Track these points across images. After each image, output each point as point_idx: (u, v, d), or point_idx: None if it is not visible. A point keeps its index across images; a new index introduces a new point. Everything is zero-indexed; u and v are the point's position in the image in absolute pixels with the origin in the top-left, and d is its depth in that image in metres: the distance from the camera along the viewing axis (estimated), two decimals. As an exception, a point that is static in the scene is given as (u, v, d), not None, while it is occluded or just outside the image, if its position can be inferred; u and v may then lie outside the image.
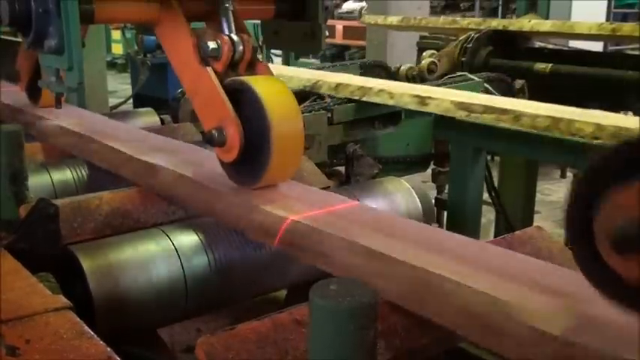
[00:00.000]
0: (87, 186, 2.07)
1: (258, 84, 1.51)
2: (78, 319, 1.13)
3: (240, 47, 1.59)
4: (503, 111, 2.68)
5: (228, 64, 1.59)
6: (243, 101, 1.52)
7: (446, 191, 3.81)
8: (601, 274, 1.15)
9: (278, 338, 1.15)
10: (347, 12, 13.79)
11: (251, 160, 1.53)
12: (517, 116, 2.64)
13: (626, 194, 1.15)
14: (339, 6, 14.01)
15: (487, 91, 3.58)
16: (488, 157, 4.05)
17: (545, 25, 4.51)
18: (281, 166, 1.54)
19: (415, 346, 1.23)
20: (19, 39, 1.72)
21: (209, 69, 1.58)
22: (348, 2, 14.15)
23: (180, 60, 1.67)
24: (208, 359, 1.10)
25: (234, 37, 1.59)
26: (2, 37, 3.41)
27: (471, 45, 4.47)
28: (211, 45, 1.57)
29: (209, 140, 1.55)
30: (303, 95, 3.54)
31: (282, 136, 1.48)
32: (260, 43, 3.74)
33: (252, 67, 1.65)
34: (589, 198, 1.15)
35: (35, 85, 1.99)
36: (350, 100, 3.02)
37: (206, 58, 1.58)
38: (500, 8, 13.41)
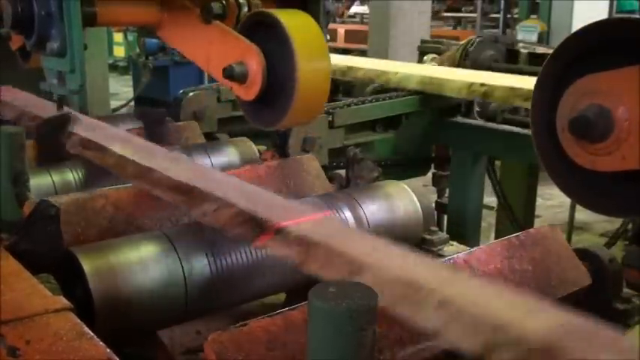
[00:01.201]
0: (86, 186, 2.07)
1: (283, 16, 1.40)
2: (78, 320, 1.14)
3: (246, 8, 1.55)
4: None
5: (235, 24, 1.54)
6: (266, 35, 1.42)
7: (446, 195, 3.82)
8: (556, 159, 1.26)
9: (288, 340, 1.15)
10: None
11: (274, 98, 1.44)
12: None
13: (591, 80, 1.25)
14: (343, 14, 14.01)
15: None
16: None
17: (412, 81, 3.97)
18: (307, 104, 1.44)
19: (415, 347, 1.24)
20: None
21: (216, 21, 1.53)
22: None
23: (187, 38, 1.62)
24: (217, 358, 1.09)
25: None
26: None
27: (472, 49, 4.47)
28: (216, 5, 1.53)
29: (229, 75, 1.44)
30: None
31: (308, 73, 1.38)
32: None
33: None
34: (556, 81, 1.25)
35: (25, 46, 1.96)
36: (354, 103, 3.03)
37: (211, 18, 1.53)
38: (501, 13, 13.40)
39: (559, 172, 1.42)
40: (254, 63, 1.40)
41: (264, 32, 1.42)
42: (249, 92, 1.44)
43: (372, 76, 3.22)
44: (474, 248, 1.70)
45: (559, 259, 1.69)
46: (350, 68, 3.42)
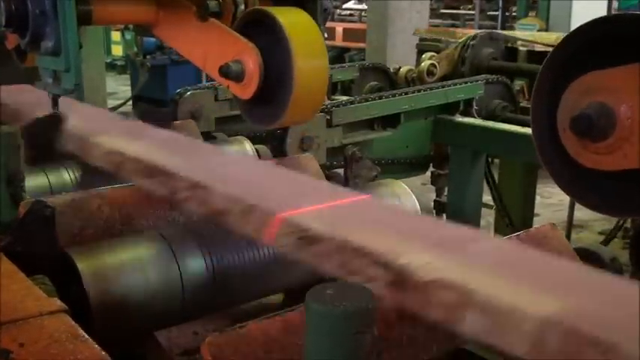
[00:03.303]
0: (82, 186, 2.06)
1: (280, 14, 1.39)
2: (73, 322, 1.12)
3: (242, 6, 1.54)
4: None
5: (231, 22, 1.52)
6: (263, 33, 1.41)
7: (445, 194, 3.81)
8: (554, 154, 1.25)
9: (286, 342, 1.14)
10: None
11: (271, 96, 1.41)
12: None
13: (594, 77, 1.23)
14: (338, 7, 14.00)
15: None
16: (489, 160, 4.05)
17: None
18: (304, 103, 1.42)
19: (417, 347, 1.23)
20: None
21: (212, 19, 1.52)
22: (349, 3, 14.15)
23: (183, 37, 1.60)
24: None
25: None
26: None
27: (470, 47, 4.46)
28: (213, 3, 1.51)
29: (225, 73, 1.42)
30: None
31: (306, 71, 1.37)
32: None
33: None
34: (556, 78, 1.24)
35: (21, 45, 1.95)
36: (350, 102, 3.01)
37: (207, 17, 1.51)
38: (500, 11, 13.40)
39: (560, 171, 1.40)
40: (251, 61, 1.39)
41: (261, 30, 1.41)
42: (245, 91, 1.43)
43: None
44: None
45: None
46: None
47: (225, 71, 1.42)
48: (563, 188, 1.45)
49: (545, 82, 1.40)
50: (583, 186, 1.40)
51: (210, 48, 1.53)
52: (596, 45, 1.32)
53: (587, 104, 1.28)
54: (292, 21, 1.38)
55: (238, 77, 1.43)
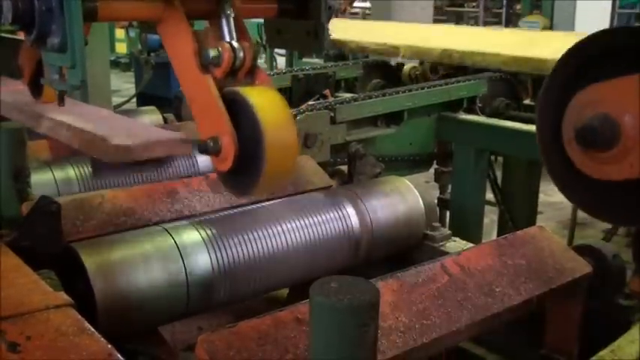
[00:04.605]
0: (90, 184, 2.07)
1: (252, 95, 1.52)
2: (79, 316, 1.13)
3: (241, 54, 1.59)
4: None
5: (228, 71, 1.59)
6: (238, 111, 1.53)
7: (449, 191, 3.81)
8: (561, 166, 1.27)
9: (279, 336, 1.15)
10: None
11: (246, 169, 1.53)
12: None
13: (598, 89, 1.24)
14: (346, 10, 13.99)
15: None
16: (492, 158, 4.05)
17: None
18: (275, 175, 1.54)
19: (415, 346, 1.23)
20: (21, 37, 1.71)
21: (208, 77, 1.58)
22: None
23: (180, 64, 1.66)
24: (209, 357, 1.10)
25: (235, 45, 1.59)
26: (3, 34, 3.40)
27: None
28: (212, 52, 1.57)
29: (204, 150, 1.55)
30: (307, 91, 3.55)
31: (275, 146, 1.49)
32: (263, 42, 3.73)
33: (251, 75, 1.65)
34: (563, 88, 1.25)
35: (37, 81, 1.99)
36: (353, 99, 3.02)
37: (206, 65, 1.58)
38: (504, 8, 13.37)
39: (567, 181, 1.41)
40: (227, 141, 1.53)
41: (237, 107, 1.54)
42: (222, 165, 1.58)
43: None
44: (462, 250, 1.71)
45: (553, 252, 1.70)
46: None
47: (203, 149, 1.55)
48: (571, 199, 1.46)
49: (550, 94, 1.41)
50: (590, 196, 1.41)
51: (199, 104, 1.64)
52: (598, 58, 1.32)
53: (591, 115, 1.29)
54: (263, 101, 1.52)
55: (215, 154, 1.56)
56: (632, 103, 1.24)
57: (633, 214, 1.37)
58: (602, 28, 1.39)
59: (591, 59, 1.35)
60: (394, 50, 3.92)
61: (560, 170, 1.42)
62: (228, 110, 1.55)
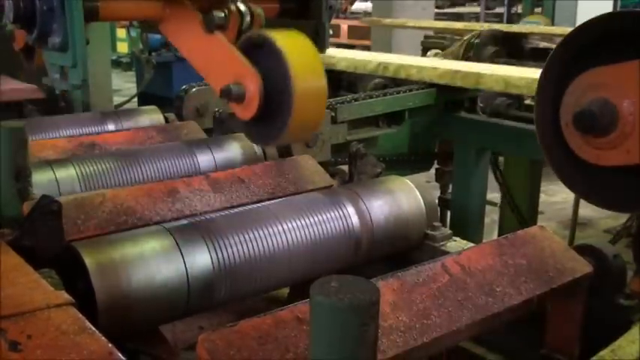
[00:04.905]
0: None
1: (280, 38, 1.43)
2: (80, 315, 1.13)
3: (248, 18, 1.56)
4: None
5: (236, 34, 1.54)
6: (263, 56, 1.44)
7: (449, 191, 3.81)
8: (559, 152, 1.27)
9: (279, 335, 1.15)
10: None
11: (271, 117, 1.45)
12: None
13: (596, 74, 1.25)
14: (347, 10, 13.99)
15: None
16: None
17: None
18: (303, 124, 1.47)
19: (416, 345, 1.23)
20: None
21: (217, 32, 1.53)
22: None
23: (187, 40, 1.62)
24: (210, 356, 1.10)
25: (242, 7, 1.55)
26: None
27: (475, 44, 4.46)
28: (218, 14, 1.53)
29: (227, 94, 1.46)
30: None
31: (304, 91, 1.40)
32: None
33: None
34: (560, 74, 1.25)
35: (30, 46, 1.97)
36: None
37: (213, 29, 1.53)
38: (505, 8, 13.37)
39: (563, 167, 1.41)
40: (252, 85, 1.42)
41: (262, 52, 1.44)
42: (245, 112, 1.46)
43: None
44: (462, 250, 1.71)
45: (553, 252, 1.70)
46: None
47: (226, 93, 1.44)
48: (567, 184, 1.46)
49: (549, 78, 1.41)
50: (587, 182, 1.41)
51: (213, 63, 1.55)
52: (600, 41, 1.32)
53: (589, 100, 1.29)
54: (292, 45, 1.41)
55: (239, 100, 1.45)
56: (632, 89, 1.24)
57: (629, 200, 1.38)
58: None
59: (593, 42, 1.35)
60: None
61: (558, 153, 1.42)
62: (253, 52, 1.45)
